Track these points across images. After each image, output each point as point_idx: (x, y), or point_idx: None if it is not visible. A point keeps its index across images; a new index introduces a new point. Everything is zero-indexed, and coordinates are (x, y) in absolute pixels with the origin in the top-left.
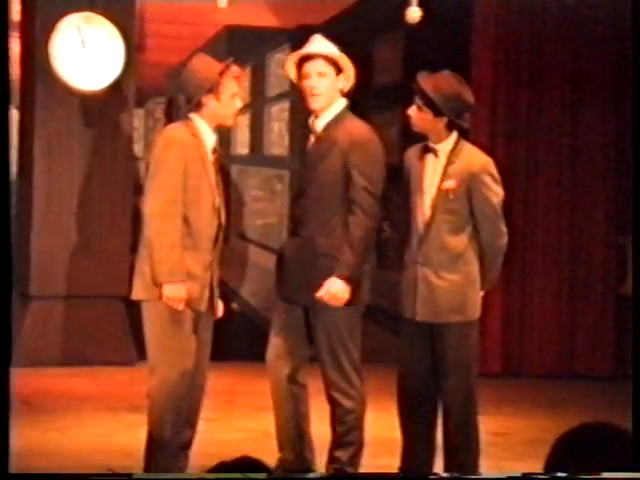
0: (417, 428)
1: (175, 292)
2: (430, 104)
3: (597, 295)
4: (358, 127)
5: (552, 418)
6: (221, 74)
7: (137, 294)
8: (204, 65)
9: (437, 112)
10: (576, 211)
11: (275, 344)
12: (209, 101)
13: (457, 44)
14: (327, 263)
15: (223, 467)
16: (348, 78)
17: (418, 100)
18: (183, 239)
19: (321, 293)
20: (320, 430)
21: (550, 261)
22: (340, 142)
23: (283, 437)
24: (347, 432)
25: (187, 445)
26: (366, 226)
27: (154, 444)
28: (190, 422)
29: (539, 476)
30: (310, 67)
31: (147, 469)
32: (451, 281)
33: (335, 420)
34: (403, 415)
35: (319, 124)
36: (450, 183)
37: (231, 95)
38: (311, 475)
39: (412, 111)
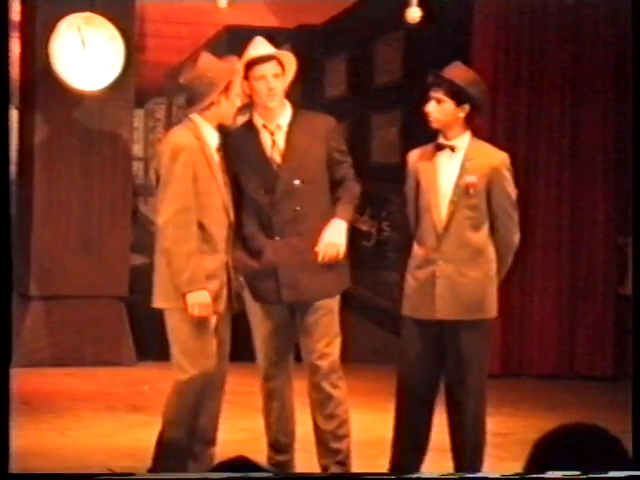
0: (415, 428)
1: (198, 299)
2: (453, 93)
3: (597, 295)
4: (323, 116)
5: (552, 418)
6: (233, 73)
7: (158, 302)
8: (214, 65)
9: (459, 101)
10: (576, 211)
11: (266, 348)
12: (220, 100)
13: (457, 44)
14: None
15: (221, 467)
16: (290, 76)
17: (437, 93)
18: (199, 245)
19: (322, 244)
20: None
21: (550, 261)
22: (319, 132)
23: (275, 439)
24: (340, 425)
25: (212, 441)
26: (358, 194)
27: (166, 443)
28: (212, 422)
29: (536, 475)
30: (265, 69)
31: (155, 469)
32: (472, 277)
33: (326, 414)
34: (402, 416)
35: (282, 122)
36: (472, 178)
37: (237, 94)
38: (314, 475)
39: (432, 106)
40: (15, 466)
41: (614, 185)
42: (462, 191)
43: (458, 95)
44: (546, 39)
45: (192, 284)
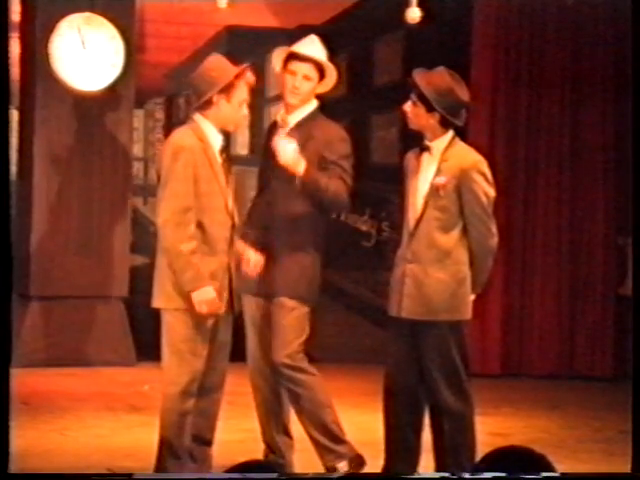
0: (402, 430)
1: (204, 295)
2: (423, 99)
3: (597, 295)
4: (331, 126)
5: (552, 418)
6: (237, 77)
7: (157, 303)
8: (220, 65)
9: (430, 107)
10: (576, 211)
11: (256, 343)
12: (219, 101)
13: (457, 44)
14: (292, 255)
15: (237, 468)
16: (327, 86)
17: (413, 96)
18: (199, 245)
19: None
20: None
21: (550, 261)
22: (316, 137)
23: (271, 439)
24: (323, 415)
25: (208, 442)
26: (334, 198)
27: (161, 445)
28: (210, 423)
29: (535, 476)
30: (298, 67)
31: (158, 470)
32: (439, 279)
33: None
34: (388, 416)
35: (291, 120)
36: (441, 179)
37: (240, 101)
38: (314, 475)
39: (407, 106)
40: (15, 466)
41: (614, 185)
42: (433, 192)
43: (428, 102)
44: (546, 39)
45: (196, 282)
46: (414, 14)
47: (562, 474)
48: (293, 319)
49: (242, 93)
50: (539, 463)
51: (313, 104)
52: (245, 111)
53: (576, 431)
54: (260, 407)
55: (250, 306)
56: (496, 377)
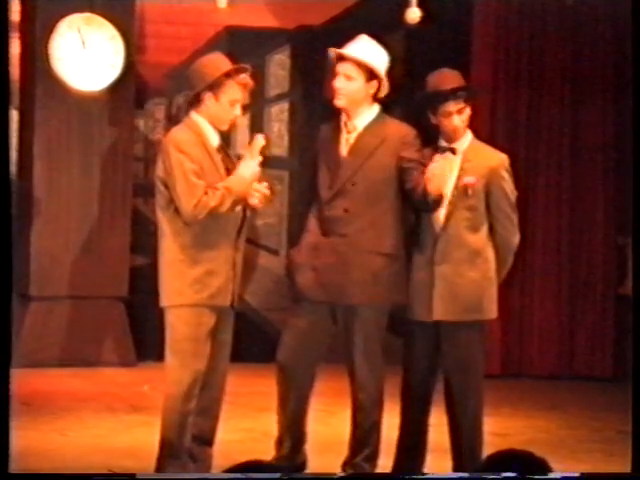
0: (417, 427)
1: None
2: (470, 100)
3: (597, 295)
4: (403, 126)
5: (552, 419)
6: (226, 75)
7: (166, 301)
8: (212, 61)
9: (472, 107)
10: (576, 211)
11: (293, 345)
12: (207, 99)
13: (457, 44)
14: (376, 261)
15: (235, 469)
16: (383, 86)
17: (457, 104)
18: (204, 236)
19: None
20: (320, 430)
21: (550, 261)
22: (390, 139)
23: (286, 434)
24: (365, 435)
25: (209, 442)
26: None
27: (162, 445)
28: (210, 423)
29: (536, 476)
30: (341, 68)
31: (158, 470)
32: (470, 278)
33: (356, 424)
34: (406, 416)
35: (358, 124)
36: (470, 179)
37: (231, 101)
38: (315, 475)
39: (457, 119)
40: (15, 466)
41: (614, 185)
42: (460, 192)
43: (471, 102)
44: (546, 39)
45: (234, 184)
46: (414, 14)
47: (583, 474)
48: (379, 331)
49: (233, 93)
50: (539, 467)
51: (375, 108)
52: (237, 112)
53: (576, 431)
54: (288, 406)
55: (315, 311)
56: (496, 377)
